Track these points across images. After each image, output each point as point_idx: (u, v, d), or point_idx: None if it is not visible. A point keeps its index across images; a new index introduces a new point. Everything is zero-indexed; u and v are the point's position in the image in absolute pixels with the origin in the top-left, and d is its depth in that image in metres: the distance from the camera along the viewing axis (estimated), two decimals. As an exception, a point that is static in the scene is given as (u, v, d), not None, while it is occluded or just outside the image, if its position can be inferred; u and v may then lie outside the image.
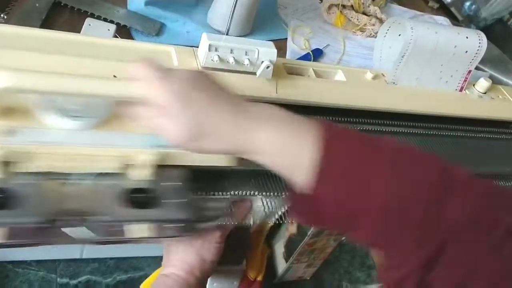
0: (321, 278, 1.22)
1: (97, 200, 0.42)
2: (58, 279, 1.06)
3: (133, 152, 0.45)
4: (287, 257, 1.06)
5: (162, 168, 0.46)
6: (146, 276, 1.09)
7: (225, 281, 0.83)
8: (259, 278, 0.90)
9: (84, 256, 1.09)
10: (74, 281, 1.07)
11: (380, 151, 0.39)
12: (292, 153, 0.39)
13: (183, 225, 0.45)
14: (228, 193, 0.52)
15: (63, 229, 0.41)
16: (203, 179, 0.51)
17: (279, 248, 1.08)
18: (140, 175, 0.45)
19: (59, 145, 0.43)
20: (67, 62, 0.50)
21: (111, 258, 1.12)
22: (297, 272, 1.12)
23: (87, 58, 0.51)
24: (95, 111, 0.45)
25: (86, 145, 0.44)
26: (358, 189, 0.38)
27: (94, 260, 1.11)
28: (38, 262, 1.06)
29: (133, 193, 0.44)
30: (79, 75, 0.42)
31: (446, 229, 0.37)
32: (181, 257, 0.56)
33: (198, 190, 0.51)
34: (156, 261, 1.13)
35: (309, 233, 0.95)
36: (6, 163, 0.41)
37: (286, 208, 0.56)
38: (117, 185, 0.44)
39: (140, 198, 0.44)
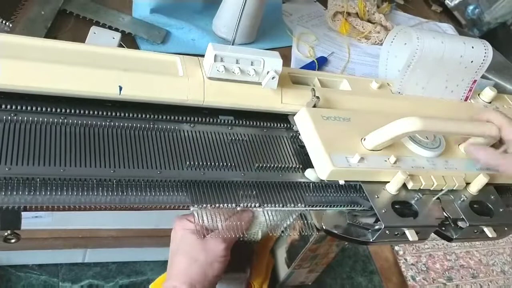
0: (323, 283, 1.22)
1: (453, 209, 0.58)
2: (60, 283, 1.06)
3: (470, 174, 0.60)
4: (289, 263, 1.05)
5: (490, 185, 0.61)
6: (148, 280, 1.09)
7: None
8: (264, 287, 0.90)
9: (86, 261, 1.09)
10: (76, 285, 1.07)
11: None
12: None
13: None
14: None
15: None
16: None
17: (281, 254, 1.08)
18: (475, 190, 0.60)
19: (429, 169, 0.58)
20: (73, 72, 0.50)
21: (113, 263, 1.12)
22: (299, 277, 1.11)
23: (93, 68, 0.51)
24: (442, 143, 0.61)
25: (441, 169, 0.59)
26: None
27: (96, 264, 1.11)
28: (40, 266, 1.06)
29: (474, 204, 0.60)
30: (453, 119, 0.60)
31: None
32: (183, 270, 0.56)
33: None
34: (158, 266, 1.14)
35: (311, 238, 0.95)
36: (404, 184, 0.56)
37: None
38: (462, 198, 0.60)
39: (480, 208, 0.60)
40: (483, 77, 0.77)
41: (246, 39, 0.77)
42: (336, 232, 0.56)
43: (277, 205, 0.54)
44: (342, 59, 0.85)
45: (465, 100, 0.73)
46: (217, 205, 0.51)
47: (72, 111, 0.51)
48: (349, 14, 0.90)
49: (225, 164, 0.53)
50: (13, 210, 0.44)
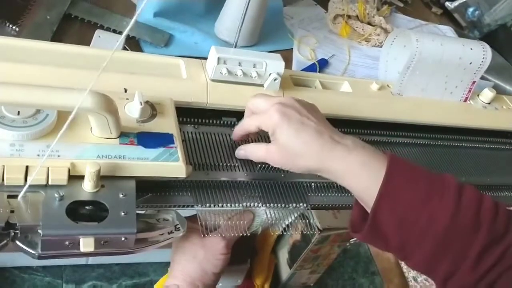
0: (325, 284, 1.23)
1: (46, 213, 0.40)
2: (64, 285, 1.07)
3: (80, 163, 0.43)
4: (291, 264, 1.06)
5: (110, 179, 0.45)
6: (151, 282, 1.10)
7: (229, 279, 0.84)
8: (266, 287, 0.91)
9: (89, 262, 1.10)
10: (79, 287, 1.08)
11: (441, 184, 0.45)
12: (363, 179, 0.46)
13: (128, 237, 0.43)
14: (239, 204, 0.53)
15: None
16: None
17: (283, 255, 1.09)
18: (88, 187, 0.43)
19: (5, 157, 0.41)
20: (77, 75, 0.51)
21: (116, 264, 1.13)
22: (301, 278, 1.12)
23: (98, 71, 0.52)
24: (49, 120, 0.44)
25: (32, 157, 0.42)
26: (414, 215, 0.43)
27: (99, 265, 1.11)
28: (44, 267, 1.07)
29: (81, 205, 0.43)
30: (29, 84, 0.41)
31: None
32: (184, 268, 0.57)
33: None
34: (161, 267, 1.14)
35: (313, 239, 0.96)
36: None
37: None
38: (65, 197, 0.42)
39: (88, 211, 0.43)
40: (482, 78, 0.78)
41: (248, 42, 0.78)
42: None
43: (279, 204, 0.55)
44: (343, 61, 0.86)
45: (465, 101, 0.74)
46: (220, 205, 0.52)
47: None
48: (349, 17, 0.91)
49: (228, 164, 0.54)
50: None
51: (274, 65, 0.58)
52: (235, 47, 0.66)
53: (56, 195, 0.41)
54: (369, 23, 0.92)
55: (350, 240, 1.00)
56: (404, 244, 0.45)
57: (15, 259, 1.02)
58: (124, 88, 0.52)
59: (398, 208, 0.44)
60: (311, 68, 0.80)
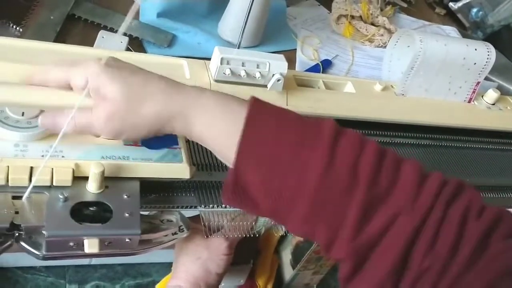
0: (328, 285, 1.22)
1: (50, 214, 0.40)
2: (67, 285, 1.07)
3: (85, 164, 0.43)
4: (294, 264, 1.06)
5: (114, 180, 0.44)
6: (154, 282, 1.10)
7: (233, 279, 0.84)
8: (269, 287, 0.91)
9: (92, 262, 1.10)
10: (82, 287, 1.08)
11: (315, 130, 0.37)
12: (222, 129, 0.38)
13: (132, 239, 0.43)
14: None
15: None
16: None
17: (286, 256, 1.09)
18: (92, 188, 0.43)
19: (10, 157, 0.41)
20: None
21: (119, 264, 1.13)
22: (304, 279, 1.12)
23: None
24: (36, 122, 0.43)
25: (36, 157, 0.42)
26: (282, 171, 0.36)
27: (102, 266, 1.11)
28: (47, 268, 1.07)
29: (85, 206, 0.43)
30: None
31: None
32: (187, 269, 0.57)
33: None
34: (164, 267, 1.14)
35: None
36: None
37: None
38: (69, 198, 0.42)
39: (92, 212, 0.43)
40: (486, 79, 0.77)
41: (251, 42, 0.78)
42: None
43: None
44: (346, 61, 0.86)
45: (469, 101, 0.74)
46: (223, 206, 0.52)
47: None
48: (352, 17, 0.91)
49: (231, 165, 0.54)
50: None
51: (278, 65, 0.58)
52: (238, 47, 0.66)
53: (60, 196, 0.41)
54: (372, 24, 0.92)
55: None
56: (275, 208, 0.37)
57: (18, 259, 1.02)
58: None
59: (263, 164, 0.36)
60: (314, 69, 0.80)
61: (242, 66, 0.57)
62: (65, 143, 0.42)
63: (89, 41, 0.66)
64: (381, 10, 0.96)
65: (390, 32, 0.91)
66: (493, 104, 0.75)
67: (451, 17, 1.13)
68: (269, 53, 0.59)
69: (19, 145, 0.42)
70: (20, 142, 0.43)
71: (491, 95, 0.75)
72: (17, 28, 0.62)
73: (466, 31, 1.12)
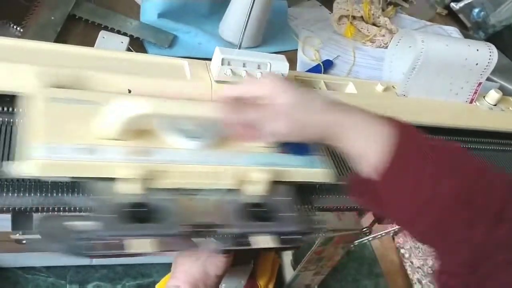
0: (328, 286, 1.22)
1: (222, 214, 0.47)
2: (68, 286, 1.07)
3: (248, 170, 0.49)
4: (295, 265, 1.06)
5: (274, 184, 0.50)
6: (154, 282, 1.10)
7: (233, 280, 0.84)
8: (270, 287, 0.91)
9: (93, 263, 1.10)
10: (83, 287, 1.08)
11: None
12: (370, 141, 0.44)
13: (300, 237, 0.50)
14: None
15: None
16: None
17: (287, 256, 1.09)
18: (255, 191, 0.49)
19: (185, 164, 0.46)
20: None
21: (120, 265, 1.13)
22: (304, 280, 1.12)
23: (102, 72, 0.52)
24: (210, 133, 0.49)
25: (206, 164, 0.47)
26: (416, 185, 0.42)
27: (103, 266, 1.11)
28: (48, 268, 1.07)
29: (250, 208, 0.49)
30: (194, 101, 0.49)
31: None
32: (186, 270, 0.57)
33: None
34: (164, 268, 1.14)
35: (317, 241, 0.96)
36: (145, 181, 0.45)
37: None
38: (237, 200, 0.48)
39: (257, 212, 0.49)
40: (488, 79, 0.77)
41: (252, 42, 0.78)
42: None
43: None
44: (347, 62, 0.85)
45: (470, 102, 0.74)
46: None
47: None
48: (354, 17, 0.91)
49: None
50: (25, 211, 0.45)
51: (279, 66, 0.57)
52: (239, 48, 0.66)
53: (233, 198, 0.48)
54: (374, 24, 0.92)
55: (354, 242, 1.00)
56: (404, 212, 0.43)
57: (18, 259, 1.02)
58: (128, 89, 0.52)
59: (403, 184, 0.42)
60: (315, 69, 0.79)
61: (243, 66, 0.56)
62: (232, 151, 0.49)
63: (89, 42, 0.66)
64: (383, 10, 0.96)
65: (391, 32, 0.91)
66: (495, 105, 0.75)
67: (453, 18, 1.12)
68: (270, 53, 0.59)
69: (191, 153, 0.48)
70: (191, 151, 0.48)
71: (493, 95, 0.74)
72: (18, 28, 0.62)
73: (467, 32, 1.12)
